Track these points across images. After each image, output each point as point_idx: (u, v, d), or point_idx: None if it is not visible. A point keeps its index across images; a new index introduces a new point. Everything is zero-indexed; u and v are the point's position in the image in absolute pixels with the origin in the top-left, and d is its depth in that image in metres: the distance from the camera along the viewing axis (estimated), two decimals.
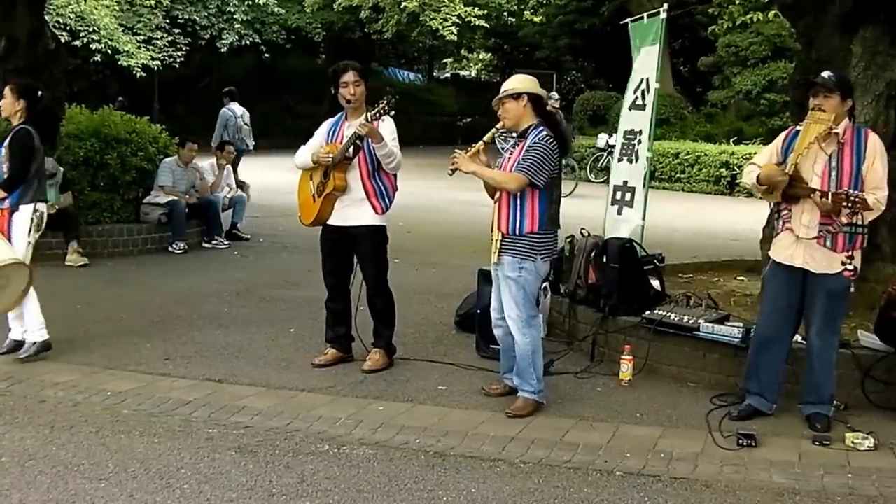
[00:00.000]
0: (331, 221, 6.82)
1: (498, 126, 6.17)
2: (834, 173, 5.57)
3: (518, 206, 5.93)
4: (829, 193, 5.44)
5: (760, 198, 6.08)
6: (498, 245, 6.01)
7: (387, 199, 6.78)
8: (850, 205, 5.37)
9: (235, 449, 5.30)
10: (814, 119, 5.60)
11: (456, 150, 6.14)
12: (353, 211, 6.72)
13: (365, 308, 7.03)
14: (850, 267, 5.58)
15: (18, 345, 7.02)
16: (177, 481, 4.86)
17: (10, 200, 6.84)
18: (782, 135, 5.95)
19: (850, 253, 5.60)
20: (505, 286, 6.02)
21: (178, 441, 5.41)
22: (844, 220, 5.52)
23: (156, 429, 5.61)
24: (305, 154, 6.86)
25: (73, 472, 4.95)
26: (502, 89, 6.13)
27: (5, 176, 6.84)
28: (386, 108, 6.45)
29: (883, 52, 7.17)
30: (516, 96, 6.05)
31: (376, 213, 6.73)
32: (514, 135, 6.17)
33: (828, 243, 5.59)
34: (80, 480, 4.85)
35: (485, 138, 6.14)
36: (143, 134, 12.22)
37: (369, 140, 6.50)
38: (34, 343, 6.93)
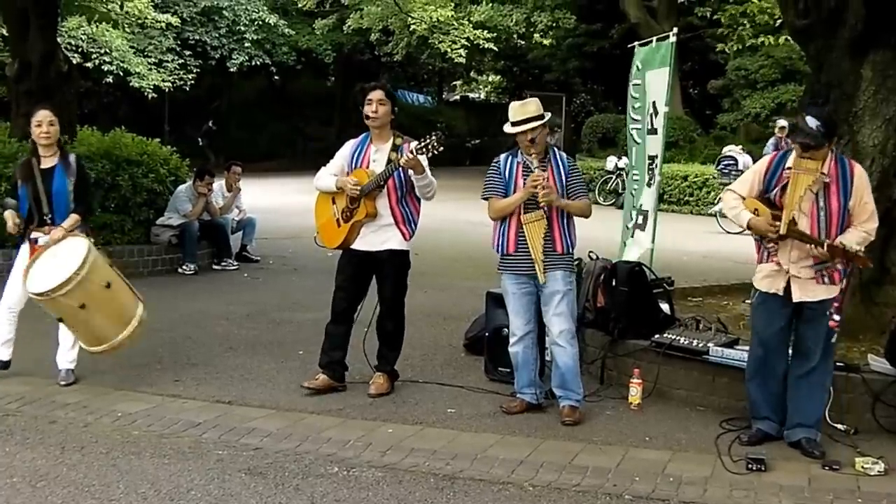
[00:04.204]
0: (356, 246, 6.75)
1: (534, 154, 6.19)
2: (822, 214, 5.55)
3: (566, 225, 6.32)
4: (826, 244, 5.41)
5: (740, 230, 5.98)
6: (543, 265, 6.19)
7: (413, 225, 6.77)
8: (845, 259, 5.40)
9: (245, 471, 5.31)
10: (803, 168, 5.52)
11: (536, 178, 6.12)
12: (381, 236, 6.69)
13: (372, 331, 7.01)
14: (836, 318, 5.59)
15: (2, 366, 7.01)
16: (187, 503, 4.87)
17: (80, 228, 6.91)
18: (765, 162, 5.86)
19: (839, 305, 5.59)
20: (558, 301, 6.26)
21: (189, 462, 5.42)
22: (840, 267, 5.54)
23: (166, 450, 5.62)
24: (328, 179, 6.80)
25: (84, 492, 4.96)
26: (529, 115, 6.22)
27: (74, 205, 6.86)
28: (435, 143, 6.32)
29: (893, 76, 7.18)
30: (544, 123, 6.25)
31: (404, 238, 6.71)
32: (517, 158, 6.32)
33: (825, 281, 5.59)
34: (91, 501, 4.86)
35: (537, 165, 6.18)
36: (154, 156, 12.30)
37: (408, 170, 6.45)
38: (72, 370, 6.99)
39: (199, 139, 29.81)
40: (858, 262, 5.48)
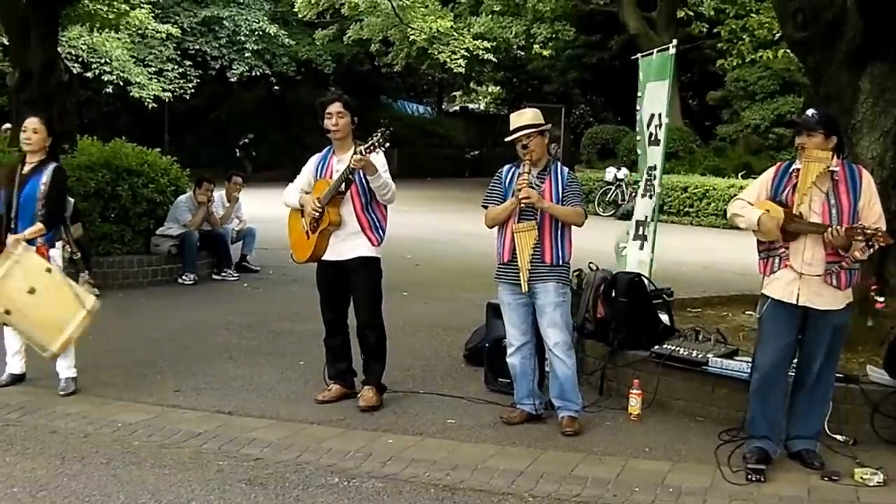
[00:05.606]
0: (326, 257, 6.77)
1: (527, 160, 6.23)
2: (834, 211, 5.51)
3: (559, 237, 6.29)
4: (844, 228, 5.38)
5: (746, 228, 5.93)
6: (528, 275, 6.19)
7: (381, 231, 6.76)
8: (865, 239, 5.34)
9: (246, 481, 5.31)
10: (812, 158, 5.51)
11: (521, 179, 6.19)
12: (349, 244, 6.69)
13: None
14: (880, 299, 5.61)
15: (16, 379, 7.07)
16: None
17: (46, 237, 6.86)
18: (772, 171, 5.84)
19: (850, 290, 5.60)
20: (551, 312, 6.26)
21: (189, 473, 5.43)
22: (858, 255, 5.47)
23: (166, 460, 5.62)
24: (294, 194, 6.85)
25: (84, 503, 4.97)
26: (522, 123, 6.25)
27: (41, 213, 6.79)
28: (380, 140, 6.38)
29: (891, 88, 7.21)
30: (542, 132, 6.24)
31: (372, 245, 6.70)
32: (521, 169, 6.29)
33: (833, 281, 5.56)
34: None
35: (527, 170, 6.21)
36: (155, 165, 12.30)
37: (363, 173, 6.47)
38: (73, 378, 6.98)
39: (237, 149, 29.88)
40: (878, 239, 5.39)
